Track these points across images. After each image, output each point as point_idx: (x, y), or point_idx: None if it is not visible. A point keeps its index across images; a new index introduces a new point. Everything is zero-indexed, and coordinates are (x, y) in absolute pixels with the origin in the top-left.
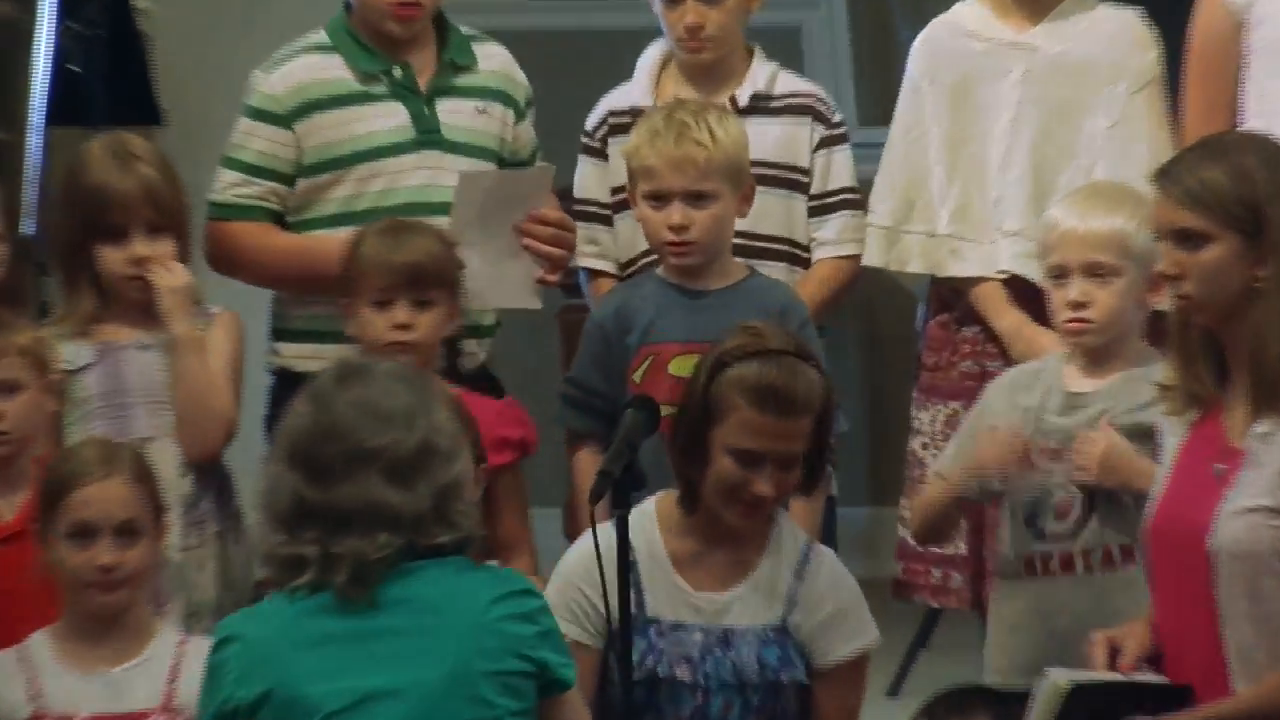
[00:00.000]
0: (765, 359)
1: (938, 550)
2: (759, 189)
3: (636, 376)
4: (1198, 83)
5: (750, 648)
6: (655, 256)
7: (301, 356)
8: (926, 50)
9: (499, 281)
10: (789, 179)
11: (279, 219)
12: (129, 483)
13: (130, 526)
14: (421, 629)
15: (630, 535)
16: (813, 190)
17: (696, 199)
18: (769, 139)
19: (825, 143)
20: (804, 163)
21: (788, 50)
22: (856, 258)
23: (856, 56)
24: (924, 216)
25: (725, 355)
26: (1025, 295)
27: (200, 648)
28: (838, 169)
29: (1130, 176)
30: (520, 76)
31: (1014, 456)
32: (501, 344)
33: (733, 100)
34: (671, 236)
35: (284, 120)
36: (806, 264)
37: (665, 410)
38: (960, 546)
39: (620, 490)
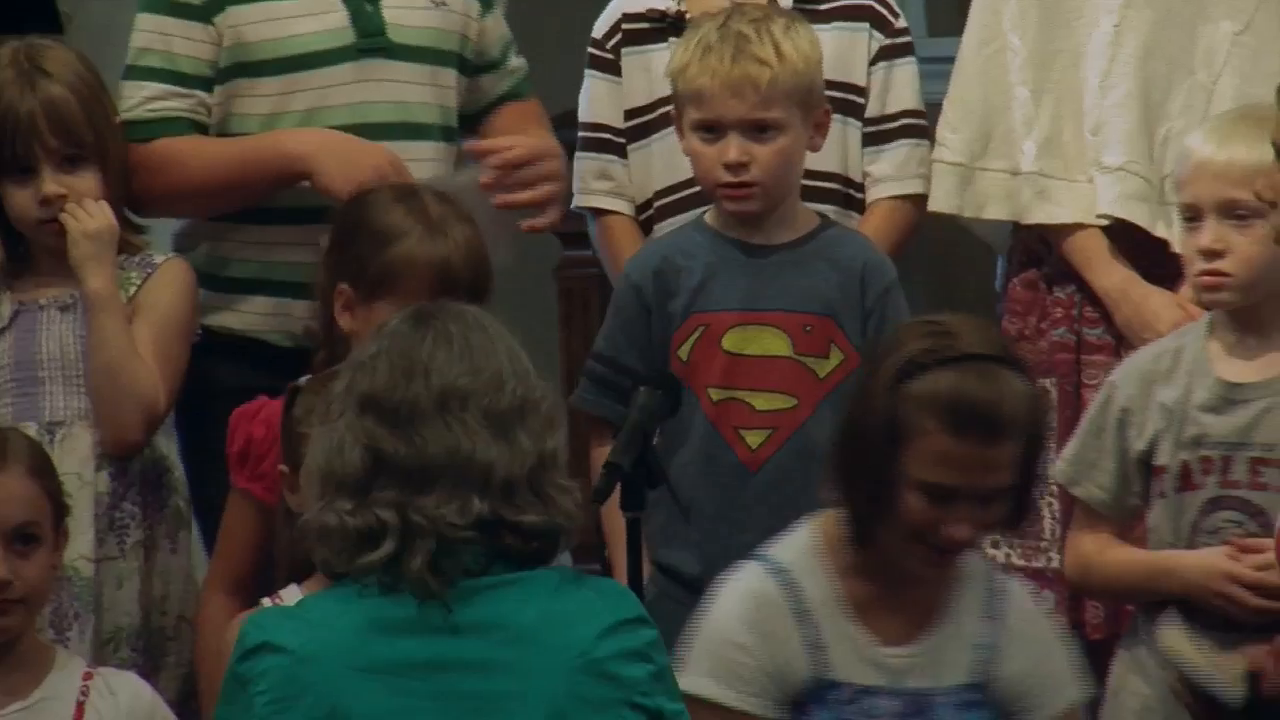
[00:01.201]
0: (962, 368)
1: (1021, 563)
2: None
3: (683, 352)
4: None
5: (951, 715)
6: (681, 195)
7: (254, 313)
8: None
9: None
10: (842, 100)
11: (204, 134)
12: (24, 479)
13: (25, 533)
14: (509, 666)
15: (796, 577)
16: (869, 113)
17: (759, 130)
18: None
19: (885, 54)
20: (860, 79)
21: None
22: (921, 198)
23: None
24: (1005, 150)
25: (909, 363)
26: (1134, 246)
27: (115, 684)
28: (899, 87)
29: (1264, 96)
30: None
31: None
32: (487, 307)
33: (773, 3)
34: (728, 177)
35: (202, 12)
36: (862, 206)
37: (716, 395)
38: (1052, 558)
39: (632, 487)
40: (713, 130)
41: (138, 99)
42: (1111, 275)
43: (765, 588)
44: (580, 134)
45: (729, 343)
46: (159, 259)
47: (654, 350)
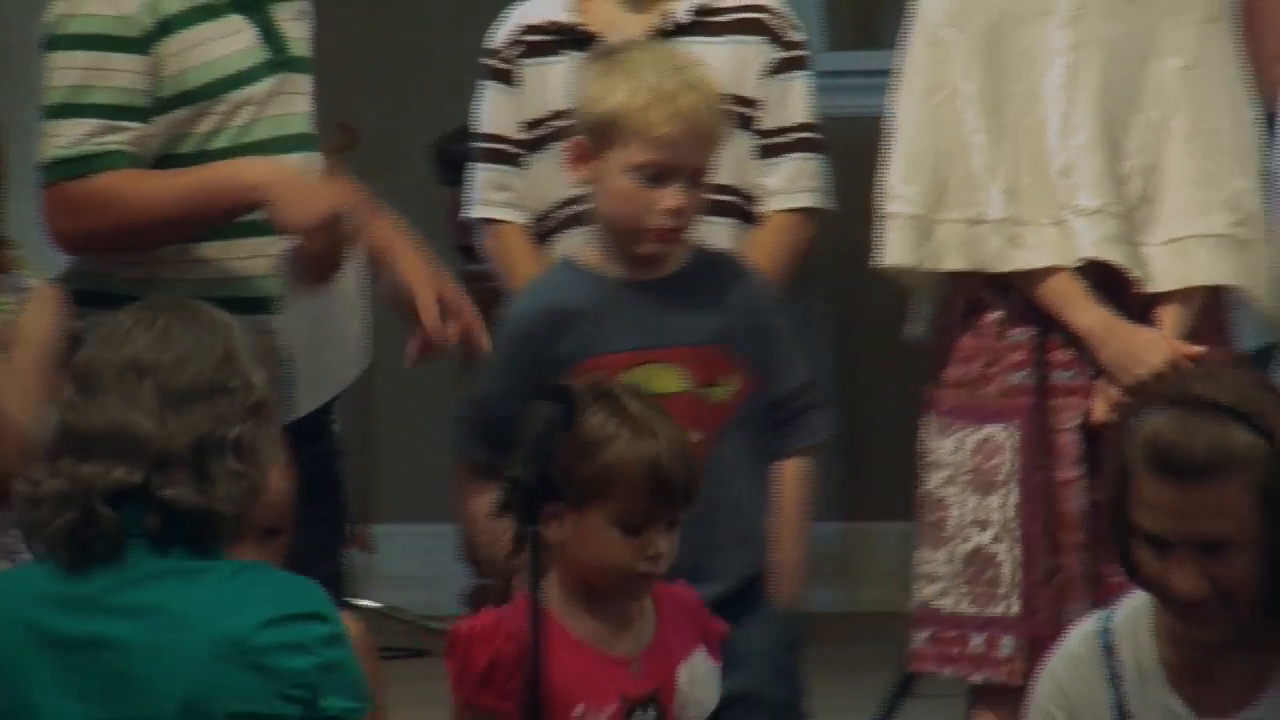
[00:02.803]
0: (1177, 409)
1: (974, 611)
2: None
3: None
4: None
5: None
6: (577, 208)
7: None
8: None
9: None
10: (737, 113)
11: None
12: None
13: None
14: (158, 649)
15: (1116, 639)
16: (763, 126)
17: (698, 176)
18: (715, 63)
19: (780, 67)
20: (752, 93)
21: None
22: (812, 211)
23: None
24: (965, 199)
25: (1136, 404)
26: (1099, 286)
27: None
28: (794, 101)
29: (1216, 129)
30: None
31: None
32: (375, 327)
33: (668, 16)
34: (667, 223)
35: (140, 44)
36: (756, 219)
37: None
38: (1013, 605)
39: (530, 502)
40: (662, 176)
41: (76, 135)
42: (1093, 314)
43: (1084, 649)
44: (476, 144)
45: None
46: (31, 281)
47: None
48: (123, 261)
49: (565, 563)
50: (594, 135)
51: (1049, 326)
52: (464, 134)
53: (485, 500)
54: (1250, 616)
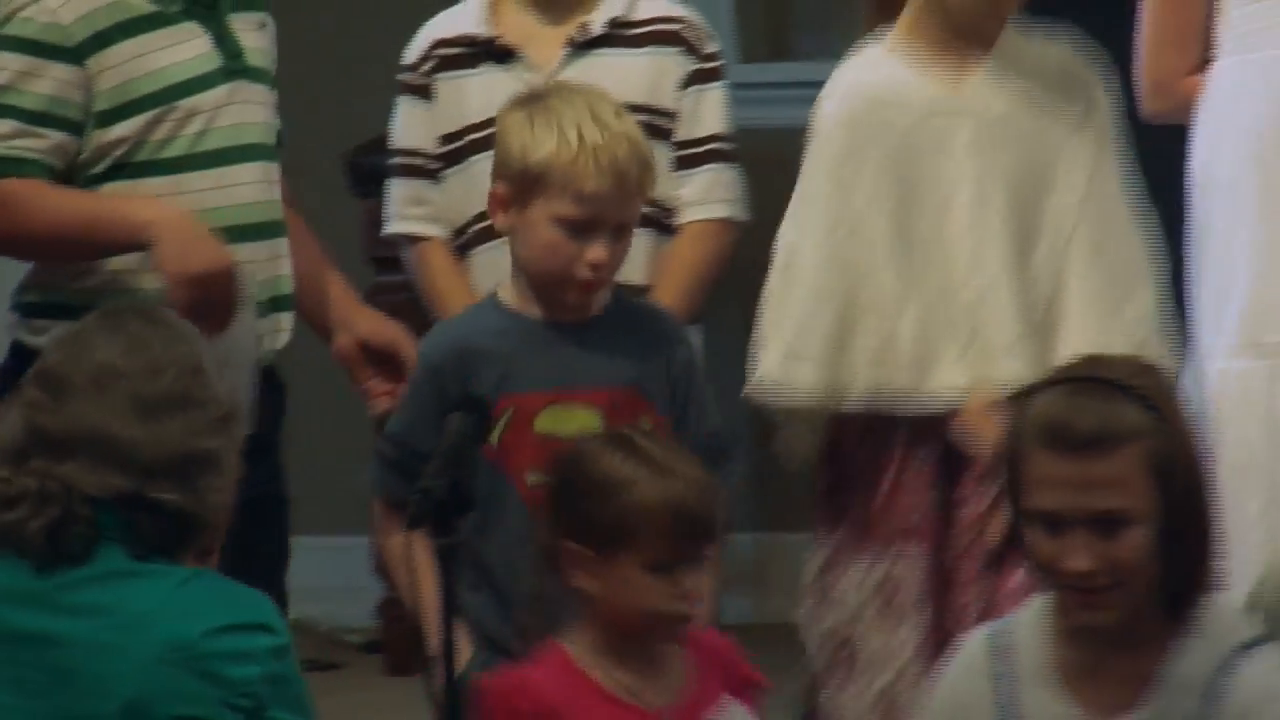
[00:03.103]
0: (1066, 387)
1: None
2: None
3: (493, 437)
4: (1165, 5)
5: None
6: (489, 223)
7: None
8: (848, 127)
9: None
10: (652, 125)
11: (56, 179)
12: None
13: None
14: (105, 649)
15: (1008, 641)
16: (678, 137)
17: (622, 228)
18: (632, 75)
19: (695, 79)
20: (669, 104)
21: None
22: (729, 221)
23: None
24: (873, 331)
25: (1028, 389)
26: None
27: None
28: (709, 112)
29: (1114, 251)
30: None
31: None
32: (292, 338)
33: (584, 28)
34: (588, 274)
35: (73, 55)
36: (673, 231)
37: (532, 479)
38: None
39: (443, 514)
40: (582, 228)
41: None
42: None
43: (974, 651)
44: (393, 160)
45: (541, 424)
46: None
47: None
48: (75, 272)
49: (595, 612)
50: (518, 184)
51: (951, 448)
52: (376, 146)
53: (402, 541)
54: (1145, 602)
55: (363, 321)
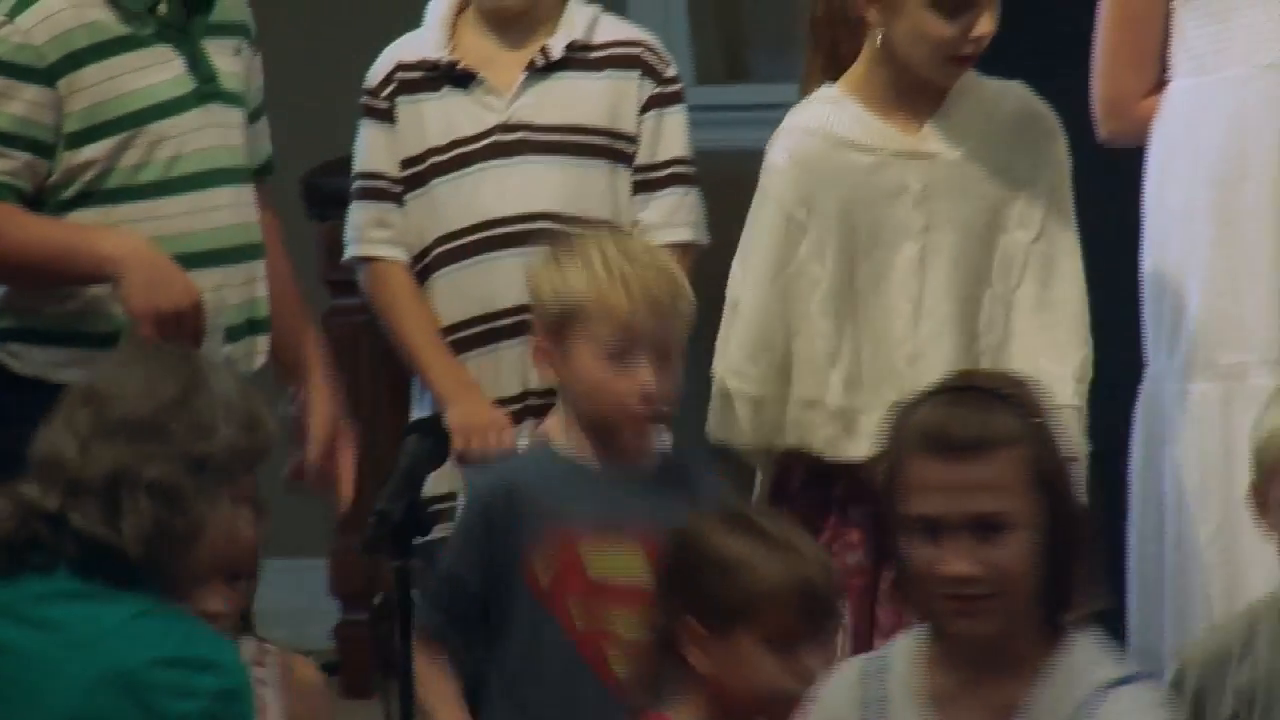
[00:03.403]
0: (943, 396)
1: None
2: (581, 160)
3: (543, 576)
4: (1121, 26)
5: None
6: (461, 241)
7: (57, 364)
8: (799, 170)
9: None
10: (612, 148)
11: (25, 201)
12: None
13: None
14: (52, 664)
15: (882, 666)
16: (639, 161)
17: (665, 355)
18: (592, 98)
19: (655, 102)
20: (630, 128)
21: None
22: (691, 245)
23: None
24: (804, 382)
25: (905, 404)
26: None
27: None
28: (669, 136)
29: (1062, 299)
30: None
31: None
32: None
33: (544, 51)
34: (641, 405)
35: (45, 76)
36: None
37: (581, 623)
38: None
39: (401, 535)
40: (622, 353)
41: None
42: None
43: (847, 674)
44: (356, 183)
45: (592, 567)
46: None
47: (499, 569)
48: (51, 296)
49: (710, 691)
50: (556, 329)
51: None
52: (332, 169)
53: (434, 674)
54: (1021, 618)
55: (311, 390)
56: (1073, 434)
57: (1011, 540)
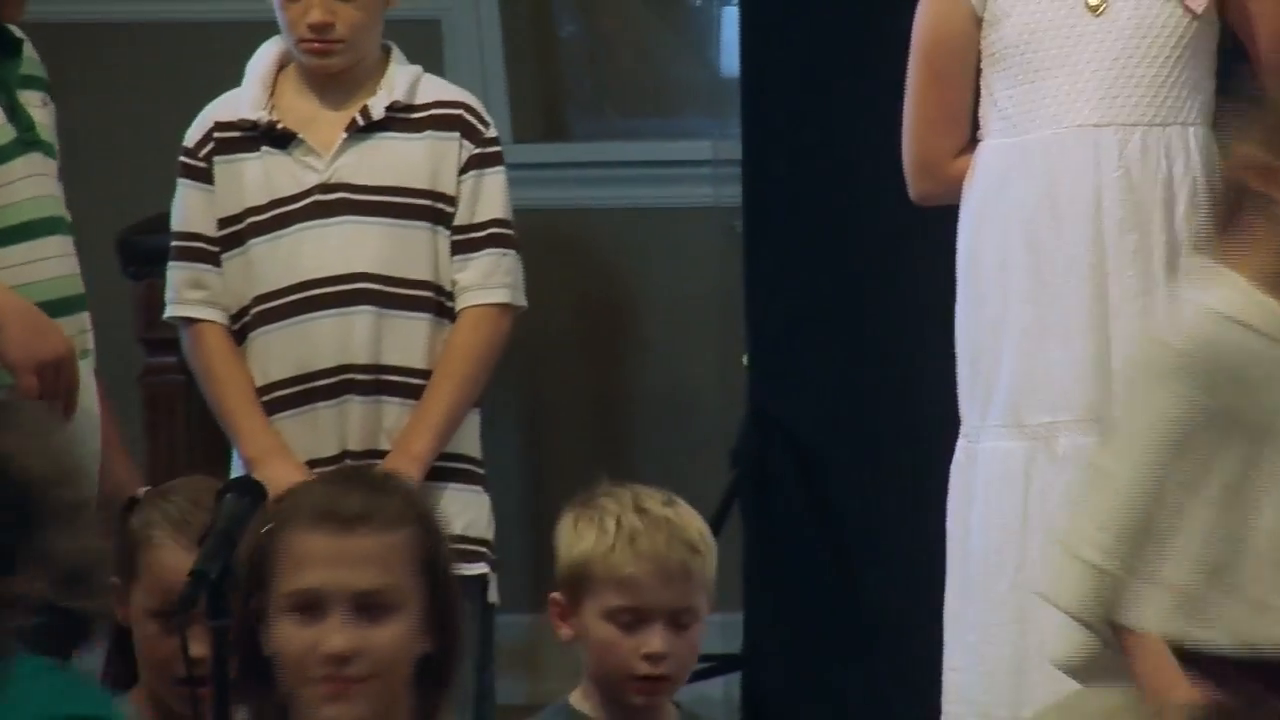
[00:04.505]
0: (323, 478)
1: None
2: (402, 221)
3: None
4: (930, 87)
5: None
6: (280, 301)
7: None
8: (1207, 353)
9: None
10: (433, 209)
11: None
12: None
13: None
14: None
15: None
16: (458, 221)
17: (679, 617)
18: (412, 159)
19: (474, 163)
20: (449, 189)
21: (425, 49)
22: (508, 307)
23: (510, 57)
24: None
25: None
26: None
27: None
28: (488, 196)
29: None
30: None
31: None
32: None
33: (365, 111)
34: (650, 669)
35: None
36: (453, 315)
37: None
38: None
39: (216, 595)
40: (631, 620)
41: None
42: None
43: None
44: (173, 243)
45: None
46: None
47: None
48: None
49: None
50: (570, 588)
51: None
52: (148, 227)
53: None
54: (395, 710)
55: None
56: None
57: (393, 621)
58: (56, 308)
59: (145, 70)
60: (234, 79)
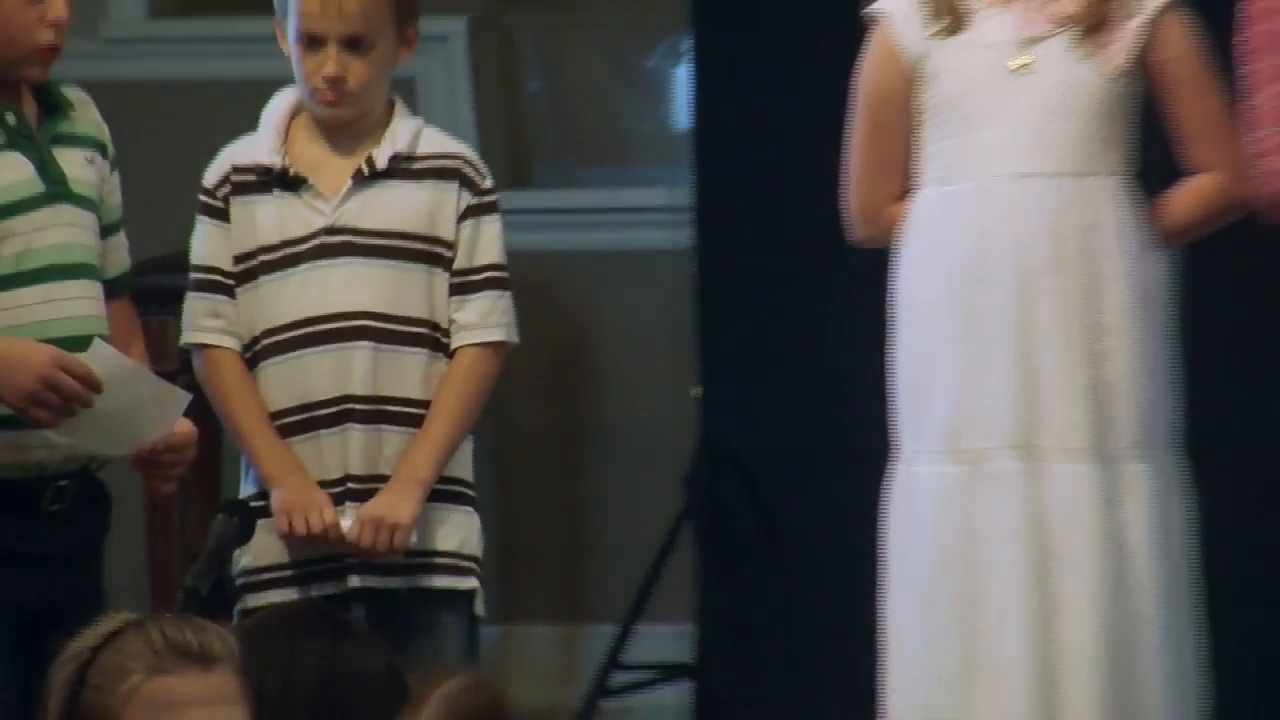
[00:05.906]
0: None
1: None
2: (400, 263)
3: None
4: (872, 138)
5: None
6: (284, 336)
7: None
8: None
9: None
10: (431, 252)
11: None
12: None
13: None
14: None
15: None
16: (456, 265)
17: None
18: (413, 206)
19: (472, 211)
20: (448, 235)
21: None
22: (503, 344)
23: (480, 111)
24: None
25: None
26: None
27: None
28: (485, 242)
29: None
30: (103, 122)
31: None
32: None
33: (370, 161)
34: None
35: None
36: (449, 350)
37: None
38: None
39: (207, 611)
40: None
41: None
42: None
43: None
44: (192, 275)
45: None
46: None
47: None
48: None
49: None
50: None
51: None
52: (155, 266)
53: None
54: None
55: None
56: None
57: None
58: (80, 344)
59: (155, 123)
60: (234, 132)
